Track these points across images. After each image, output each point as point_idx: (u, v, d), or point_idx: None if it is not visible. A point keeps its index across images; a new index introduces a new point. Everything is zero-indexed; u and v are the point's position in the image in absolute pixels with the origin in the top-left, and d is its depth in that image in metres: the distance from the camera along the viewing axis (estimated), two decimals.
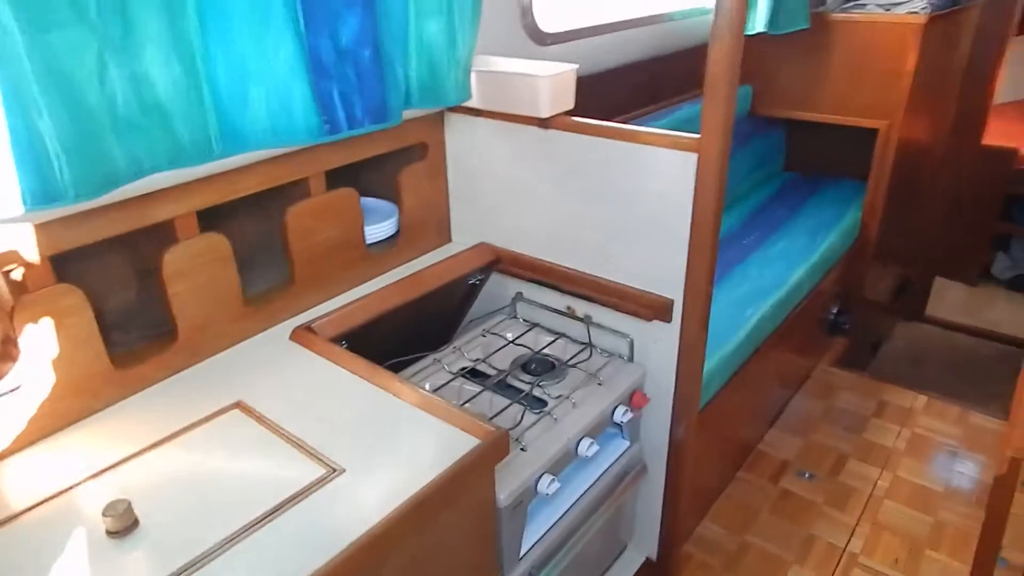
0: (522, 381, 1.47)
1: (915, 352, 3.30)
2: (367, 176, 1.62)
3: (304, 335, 1.33)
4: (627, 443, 1.54)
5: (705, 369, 1.59)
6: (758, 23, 2.30)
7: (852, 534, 1.97)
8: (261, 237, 1.42)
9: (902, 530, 1.98)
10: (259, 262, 1.42)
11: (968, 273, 3.82)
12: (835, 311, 2.69)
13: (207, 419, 1.10)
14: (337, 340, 1.35)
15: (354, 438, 1.05)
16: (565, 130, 1.45)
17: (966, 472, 2.19)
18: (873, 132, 2.50)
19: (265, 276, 1.42)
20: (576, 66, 1.44)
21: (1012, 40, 3.37)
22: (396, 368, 1.46)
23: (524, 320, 1.68)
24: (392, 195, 1.62)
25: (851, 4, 2.51)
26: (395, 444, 1.04)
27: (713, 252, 1.36)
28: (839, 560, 1.89)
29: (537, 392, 1.43)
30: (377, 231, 1.58)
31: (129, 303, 1.27)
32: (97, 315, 1.09)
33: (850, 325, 2.72)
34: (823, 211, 2.71)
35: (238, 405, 1.13)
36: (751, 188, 2.97)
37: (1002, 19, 3.11)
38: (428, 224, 1.68)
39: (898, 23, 2.35)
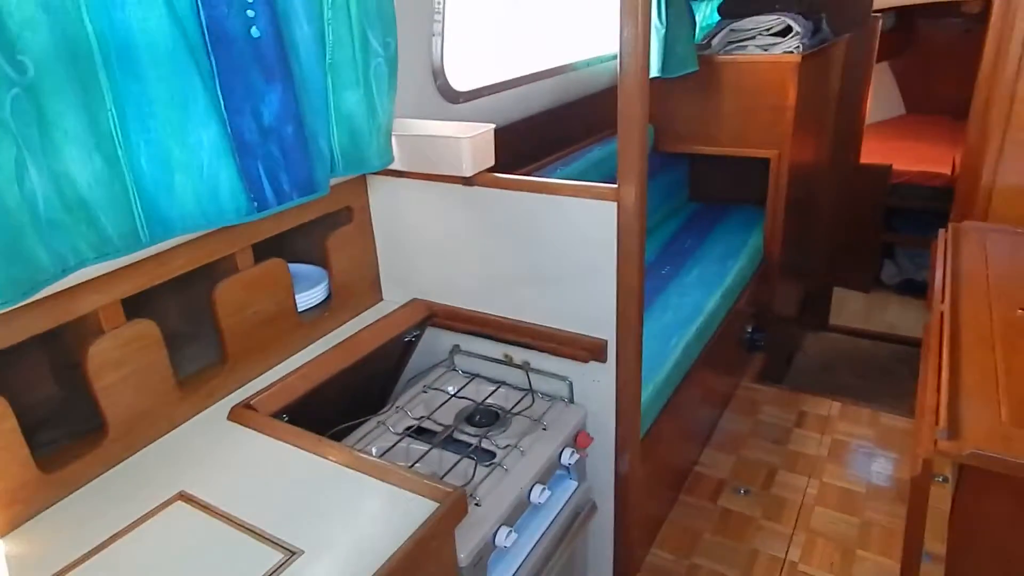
0: (469, 434, 1.48)
1: (825, 360, 3.52)
2: (294, 242, 1.62)
3: (243, 413, 1.29)
4: (576, 484, 1.57)
5: (642, 401, 1.66)
6: (652, 68, 2.46)
7: (790, 543, 2.07)
8: (191, 315, 1.38)
9: (834, 534, 2.09)
10: (190, 341, 1.38)
11: (862, 282, 4.13)
12: (750, 330, 2.84)
13: (149, 514, 1.06)
14: (278, 415, 1.33)
15: (308, 516, 1.04)
16: (489, 186, 1.50)
17: (883, 471, 2.35)
18: (766, 161, 2.70)
19: (198, 355, 1.38)
20: (493, 126, 1.50)
21: (875, 68, 3.74)
22: (340, 435, 1.45)
23: (463, 372, 1.70)
24: (321, 259, 1.62)
25: (733, 46, 2.72)
26: (352, 517, 1.03)
27: (640, 291, 1.43)
28: (781, 570, 1.98)
29: (485, 444, 1.44)
30: (308, 297, 1.57)
31: (55, 399, 1.21)
32: (20, 416, 1.03)
33: (765, 341, 2.89)
34: (729, 237, 2.88)
35: (181, 495, 1.09)
36: (662, 220, 3.12)
37: (865, 51, 3.44)
38: (359, 285, 1.69)
39: (777, 62, 2.56)
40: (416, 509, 1.04)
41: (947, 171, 3.85)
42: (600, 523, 1.69)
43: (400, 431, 1.47)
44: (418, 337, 1.72)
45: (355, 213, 1.63)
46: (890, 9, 4.51)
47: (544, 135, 2.40)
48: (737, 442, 2.54)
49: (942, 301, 1.75)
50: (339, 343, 1.52)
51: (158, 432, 1.24)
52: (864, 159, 3.84)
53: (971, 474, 1.29)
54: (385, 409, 1.56)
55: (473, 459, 1.37)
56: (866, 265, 4.12)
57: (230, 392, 1.37)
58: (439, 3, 1.76)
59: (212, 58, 1.04)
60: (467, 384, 1.65)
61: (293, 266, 1.53)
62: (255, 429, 1.25)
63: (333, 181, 1.41)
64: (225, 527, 1.02)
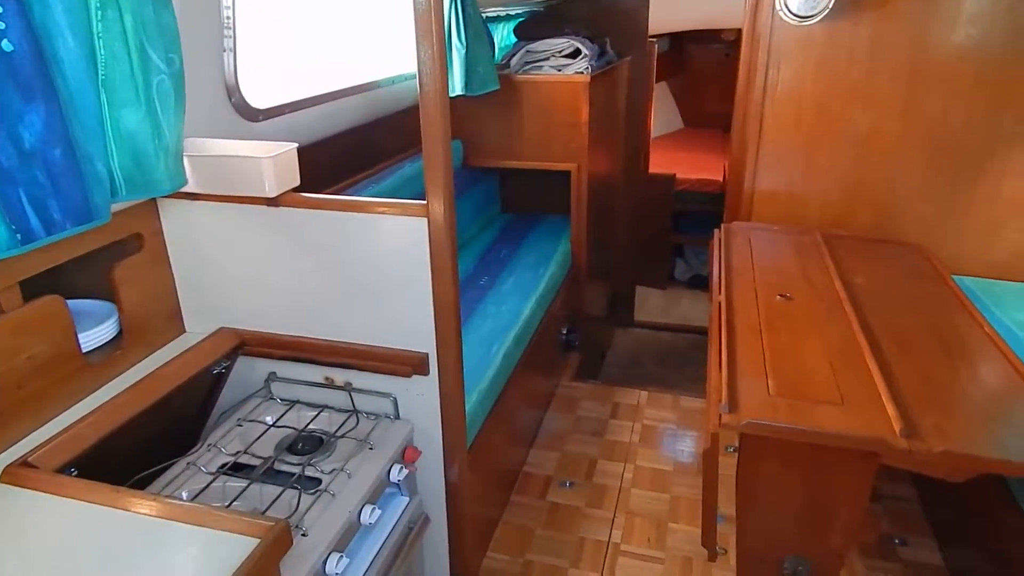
0: (291, 464, 1.42)
1: (633, 354, 3.84)
2: (74, 276, 1.45)
3: (19, 473, 1.14)
4: (407, 499, 1.57)
5: (467, 409, 1.70)
6: (456, 87, 2.54)
7: (612, 527, 2.23)
8: None
9: (649, 512, 2.29)
10: None
11: (659, 280, 4.56)
12: (565, 331, 3.02)
13: None
14: (64, 469, 1.19)
15: None
16: (295, 206, 1.46)
17: (686, 449, 2.62)
18: (567, 173, 2.89)
19: None
20: (295, 145, 1.46)
21: (656, 87, 4.16)
22: (144, 483, 1.33)
23: (282, 400, 1.63)
24: (108, 293, 1.47)
25: (530, 66, 2.89)
26: (165, 570, 0.95)
27: (456, 304, 1.47)
28: (606, 553, 2.13)
29: (309, 471, 1.39)
30: (94, 336, 1.42)
31: None
32: None
33: (579, 341, 3.09)
34: (540, 246, 3.05)
35: None
36: (477, 232, 3.22)
37: (645, 72, 3.82)
38: (156, 318, 1.55)
39: (569, 82, 2.76)
40: (236, 549, 0.98)
41: (719, 178, 4.38)
42: (434, 534, 1.70)
43: (213, 470, 1.38)
44: (228, 368, 1.62)
45: (146, 240, 1.50)
46: (663, 35, 5.06)
47: (353, 153, 2.38)
48: (560, 439, 2.69)
49: (719, 293, 2.00)
50: (135, 383, 1.38)
51: None
52: (652, 169, 4.25)
53: (749, 441, 1.49)
54: (195, 448, 1.45)
55: (297, 488, 1.32)
56: (661, 264, 4.56)
57: (3, 450, 1.19)
58: (228, 18, 1.68)
59: None
60: (287, 412, 1.58)
61: (74, 303, 1.37)
62: (36, 489, 1.11)
63: (116, 207, 1.29)
64: None
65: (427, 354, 1.52)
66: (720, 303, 1.92)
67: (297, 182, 1.49)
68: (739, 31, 2.70)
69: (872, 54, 2.49)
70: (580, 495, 2.38)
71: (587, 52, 2.80)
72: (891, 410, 1.40)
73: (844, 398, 1.45)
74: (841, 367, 1.57)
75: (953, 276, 2.24)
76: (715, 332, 1.81)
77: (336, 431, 1.52)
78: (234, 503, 1.29)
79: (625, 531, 2.21)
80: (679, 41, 5.61)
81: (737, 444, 1.70)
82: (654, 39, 3.86)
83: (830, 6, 2.38)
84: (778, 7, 2.45)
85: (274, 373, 1.64)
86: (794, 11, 2.43)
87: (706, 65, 5.69)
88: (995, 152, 2.48)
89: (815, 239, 2.40)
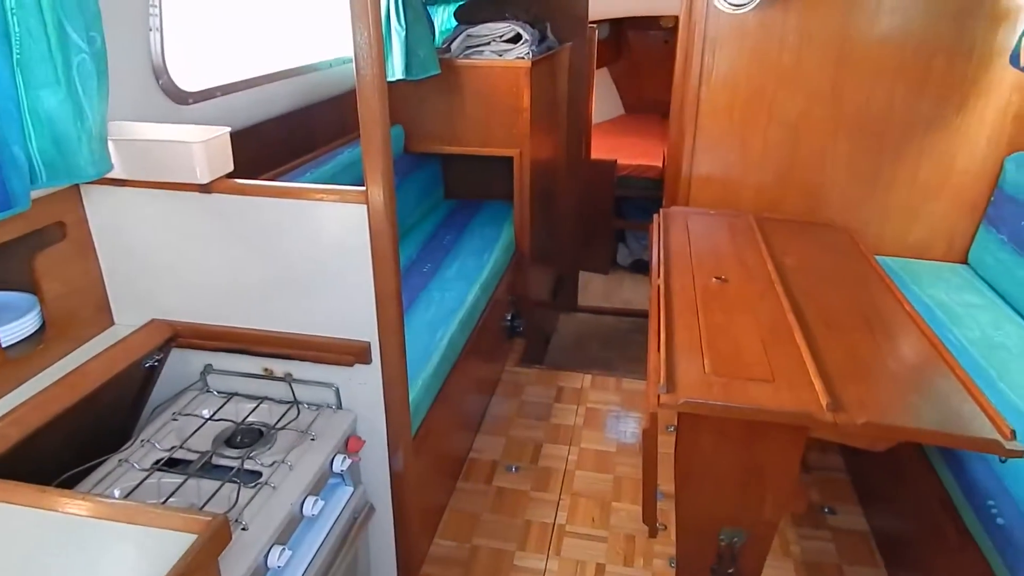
0: (229, 457, 1.39)
1: (577, 338, 3.89)
2: None
3: None
4: (351, 489, 1.56)
5: (411, 397, 1.70)
6: (396, 71, 2.50)
7: (557, 508, 2.27)
8: None
9: (593, 493, 2.34)
10: None
11: (601, 264, 4.62)
12: (510, 317, 3.04)
13: None
14: None
15: None
16: (229, 193, 1.42)
17: (628, 430, 2.68)
18: (510, 159, 2.90)
19: None
20: (228, 129, 1.42)
21: (597, 73, 4.19)
22: (72, 482, 1.28)
23: (219, 392, 1.59)
24: (28, 285, 1.40)
25: (471, 51, 2.87)
26: (96, 571, 0.92)
27: (398, 290, 1.46)
28: (551, 535, 2.16)
29: (249, 464, 1.37)
30: (15, 330, 1.35)
31: None
32: None
33: (524, 326, 3.10)
34: (484, 232, 3.04)
35: None
36: (420, 218, 3.19)
37: (585, 58, 3.84)
38: (82, 311, 1.49)
39: (510, 67, 2.76)
40: (171, 546, 0.96)
41: (659, 164, 4.46)
42: (379, 523, 1.70)
43: (147, 466, 1.34)
44: (161, 361, 1.57)
45: (69, 229, 1.43)
46: (603, 21, 5.09)
47: (290, 138, 2.32)
48: (506, 424, 2.71)
49: (658, 276, 2.05)
50: (60, 379, 1.33)
51: None
52: (594, 155, 4.29)
53: (686, 419, 1.53)
54: (127, 445, 1.40)
55: (236, 482, 1.29)
56: (604, 249, 4.62)
57: None
58: None
59: None
60: (224, 404, 1.54)
61: None
62: None
63: (36, 193, 1.23)
64: None
65: (369, 343, 1.50)
66: (659, 286, 1.97)
67: (230, 168, 1.45)
68: (677, 18, 2.75)
69: (801, 41, 2.57)
70: (526, 479, 2.41)
71: (528, 37, 2.79)
72: (818, 385, 1.46)
73: (775, 375, 1.51)
74: (772, 345, 1.63)
75: (876, 256, 2.35)
76: (654, 315, 1.85)
77: (276, 423, 1.49)
78: (170, 499, 1.26)
79: (570, 512, 2.25)
80: (619, 27, 5.66)
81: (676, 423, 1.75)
82: (594, 25, 3.88)
83: None
84: None
85: (210, 365, 1.60)
86: None
87: (646, 51, 5.76)
88: (914, 136, 2.60)
89: (749, 222, 2.48)
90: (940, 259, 2.72)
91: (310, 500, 1.33)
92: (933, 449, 1.79)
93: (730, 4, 2.49)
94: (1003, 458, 1.35)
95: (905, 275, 2.53)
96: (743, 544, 1.63)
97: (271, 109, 2.21)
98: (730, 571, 1.66)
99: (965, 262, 2.70)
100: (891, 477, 2.09)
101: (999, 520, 1.48)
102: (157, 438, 1.43)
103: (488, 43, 2.84)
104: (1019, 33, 2.39)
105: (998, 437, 1.34)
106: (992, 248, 2.50)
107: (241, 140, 1.53)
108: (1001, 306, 2.31)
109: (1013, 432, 1.34)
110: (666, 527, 2.14)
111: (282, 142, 2.26)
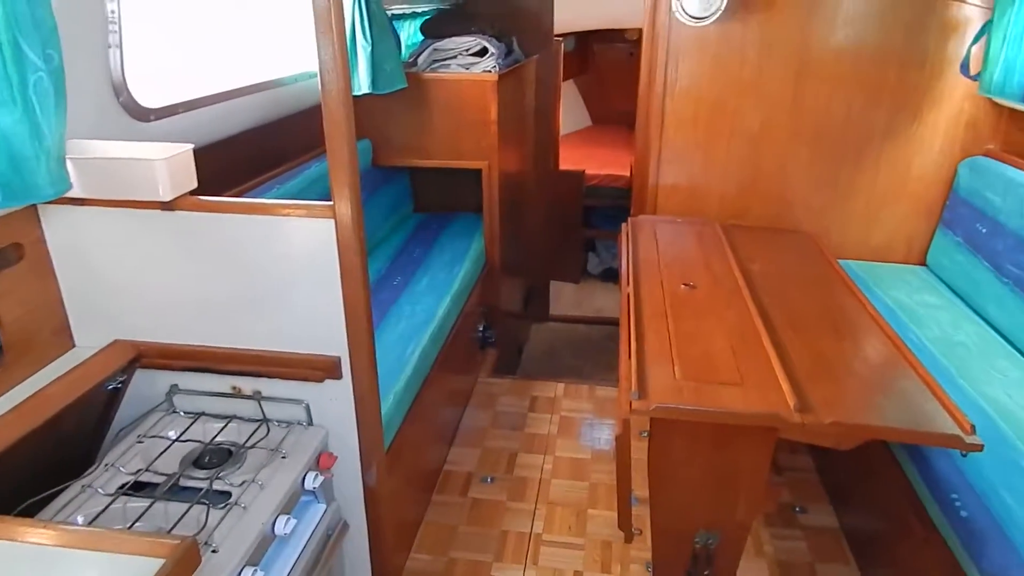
0: (197, 479, 1.37)
1: (549, 347, 3.90)
2: None
3: None
4: (323, 506, 1.54)
5: (383, 411, 1.69)
6: (362, 85, 2.50)
7: (533, 518, 2.27)
8: None
9: (568, 501, 2.34)
10: None
11: (572, 274, 4.65)
12: (482, 328, 3.04)
13: None
14: None
15: None
16: (193, 210, 1.41)
17: (602, 437, 2.69)
18: (479, 172, 2.91)
19: None
20: (191, 146, 1.40)
21: (563, 85, 4.24)
22: (34, 510, 1.24)
23: (186, 413, 1.56)
24: None
25: (438, 64, 2.88)
26: None
27: (367, 305, 1.45)
28: (528, 544, 2.16)
29: (218, 485, 1.34)
30: None
31: None
32: None
33: (496, 337, 3.11)
34: (454, 244, 3.05)
35: None
36: (389, 232, 3.18)
37: (552, 71, 3.88)
38: (41, 333, 1.45)
39: (477, 80, 2.77)
40: (139, 572, 0.94)
41: (627, 173, 4.51)
42: (354, 540, 1.68)
43: (112, 491, 1.30)
44: (125, 383, 1.54)
45: (26, 250, 1.40)
46: (569, 34, 5.15)
47: (256, 153, 2.29)
48: (480, 435, 2.70)
49: (628, 284, 2.07)
50: (19, 404, 1.29)
51: None
52: (562, 166, 4.32)
53: (658, 425, 1.55)
54: (91, 470, 1.37)
55: (205, 504, 1.27)
56: (574, 258, 4.65)
57: None
58: (113, 11, 1.59)
59: None
60: (191, 425, 1.51)
61: None
62: None
63: None
64: None
65: (339, 358, 1.49)
66: (629, 294, 1.99)
67: (194, 185, 1.43)
68: (641, 31, 2.79)
69: (762, 53, 2.64)
70: (501, 489, 2.40)
71: (494, 51, 2.82)
72: (786, 387, 1.49)
73: (744, 378, 1.53)
74: (741, 349, 1.66)
75: (839, 260, 2.41)
76: (625, 322, 1.87)
77: (246, 442, 1.47)
78: (136, 524, 1.23)
79: (547, 521, 2.25)
80: (585, 40, 5.73)
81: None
82: (560, 38, 3.92)
83: (723, 7, 2.50)
84: (674, 8, 2.55)
85: (176, 385, 1.57)
86: (689, 12, 2.54)
87: (611, 64, 5.84)
88: (871, 144, 2.68)
89: (715, 230, 2.52)
90: (900, 262, 2.80)
91: (282, 519, 1.31)
92: (898, 446, 1.83)
93: (692, 17, 2.54)
94: (964, 452, 1.39)
95: (867, 278, 2.59)
96: (717, 546, 1.65)
97: (236, 125, 2.19)
98: (705, 573, 1.68)
99: (924, 264, 2.77)
100: (859, 475, 2.13)
101: (962, 512, 1.52)
102: (122, 462, 1.39)
103: (455, 56, 2.85)
104: (968, 43, 2.48)
105: (959, 432, 1.37)
106: (949, 250, 2.58)
107: (206, 156, 1.51)
108: (959, 306, 2.38)
109: (973, 427, 1.38)
110: (641, 532, 2.15)
111: (248, 158, 2.24)
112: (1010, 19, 2.23)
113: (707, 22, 2.55)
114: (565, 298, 4.44)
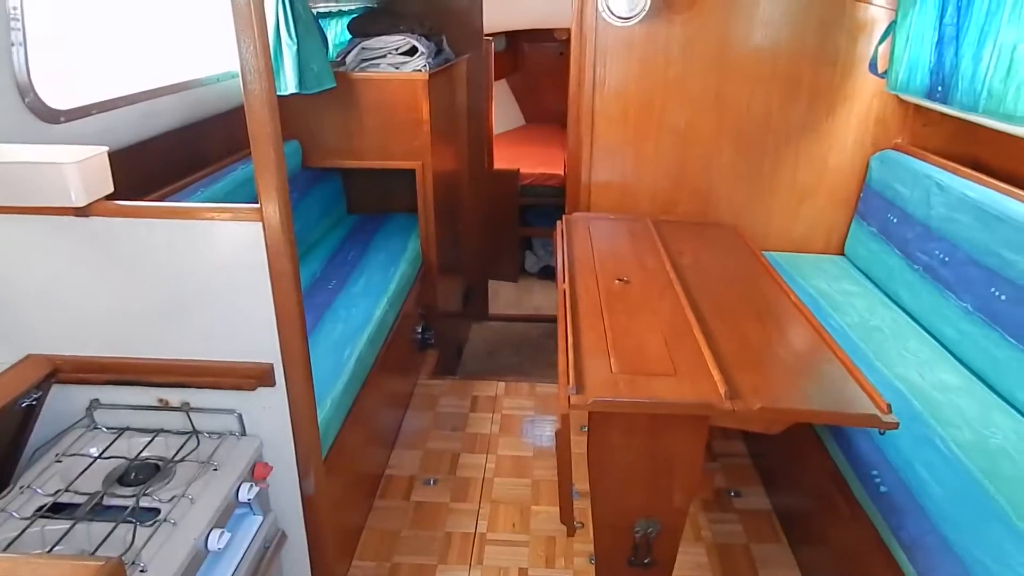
0: (123, 496, 1.31)
1: (489, 346, 3.90)
2: None
3: None
4: (260, 517, 1.50)
5: (320, 417, 1.65)
6: (289, 85, 2.44)
7: (477, 518, 2.27)
8: None
9: (512, 499, 2.35)
10: None
11: (510, 272, 4.67)
12: (420, 329, 3.01)
13: None
14: None
15: None
16: (109, 215, 1.34)
17: (544, 433, 2.71)
18: (413, 172, 2.88)
19: None
20: (106, 148, 1.34)
21: (496, 85, 4.24)
22: None
23: (108, 428, 1.49)
24: None
25: (367, 64, 2.84)
26: None
27: (300, 310, 1.42)
28: (473, 545, 2.16)
29: (145, 502, 1.29)
30: None
31: None
32: None
33: (435, 338, 3.09)
34: (389, 245, 3.01)
35: None
36: (323, 234, 3.12)
37: (483, 70, 3.88)
38: None
39: (408, 80, 2.75)
40: None
41: (560, 172, 4.56)
42: (293, 550, 1.64)
43: (28, 514, 1.23)
44: (40, 399, 1.46)
45: None
46: (499, 34, 5.18)
47: (178, 156, 2.21)
48: (422, 437, 2.68)
49: (564, 281, 2.09)
50: None
51: None
52: (497, 165, 4.34)
53: (596, 418, 1.58)
54: (5, 492, 1.29)
55: (132, 522, 1.21)
56: (511, 257, 4.67)
57: None
58: (15, 8, 1.50)
59: None
60: (115, 441, 1.45)
61: None
62: None
63: None
64: None
65: (272, 364, 1.46)
66: (565, 291, 2.01)
67: (110, 189, 1.36)
68: (570, 31, 2.83)
69: (686, 53, 2.71)
70: (444, 491, 2.39)
71: (424, 50, 2.80)
72: (716, 376, 1.54)
73: (676, 369, 1.58)
74: (673, 341, 1.71)
75: (763, 251, 2.51)
76: (562, 319, 1.89)
77: (174, 455, 1.41)
78: (56, 547, 1.16)
79: (491, 520, 2.26)
80: (515, 40, 5.76)
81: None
82: (490, 38, 3.93)
83: (647, 8, 2.56)
84: (601, 8, 2.60)
85: (97, 400, 1.50)
86: (616, 12, 2.59)
87: (542, 63, 5.89)
88: (790, 140, 2.80)
89: (647, 225, 2.58)
90: (820, 252, 2.93)
91: (215, 533, 1.27)
92: (823, 428, 1.92)
93: (617, 17, 2.59)
94: (882, 431, 1.47)
95: (790, 268, 2.70)
96: (657, 534, 1.69)
97: (156, 126, 2.11)
98: (646, 561, 1.71)
99: (842, 253, 2.91)
100: (788, 458, 2.23)
101: (882, 488, 1.61)
102: (39, 483, 1.32)
103: (384, 56, 2.82)
104: (875, 43, 2.62)
105: (876, 412, 1.45)
106: (864, 240, 2.72)
107: (124, 159, 1.45)
108: (875, 292, 2.52)
109: (889, 406, 1.46)
110: (584, 525, 2.17)
111: (169, 161, 2.15)
112: (912, 20, 2.37)
113: (633, 22, 2.60)
114: (504, 297, 4.45)
